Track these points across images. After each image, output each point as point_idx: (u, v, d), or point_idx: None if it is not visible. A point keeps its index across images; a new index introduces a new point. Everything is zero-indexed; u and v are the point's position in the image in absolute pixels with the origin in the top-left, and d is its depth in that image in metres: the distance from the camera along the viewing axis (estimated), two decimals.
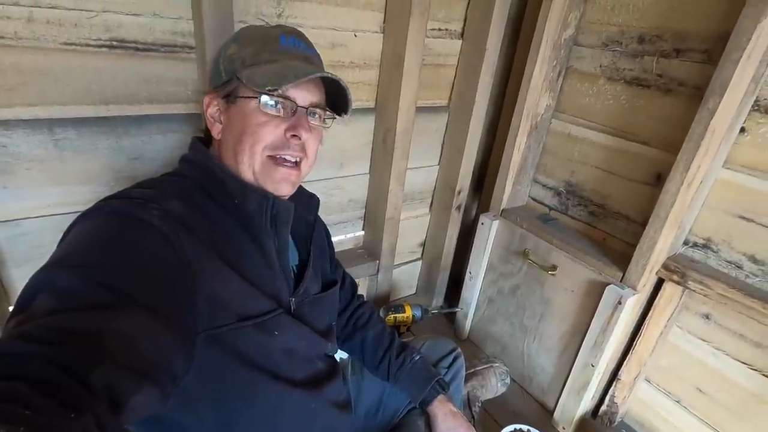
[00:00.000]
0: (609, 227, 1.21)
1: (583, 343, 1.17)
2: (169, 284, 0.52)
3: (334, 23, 1.10)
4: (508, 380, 1.35)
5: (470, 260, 1.50)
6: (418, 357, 0.94)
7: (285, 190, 0.67)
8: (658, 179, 1.07)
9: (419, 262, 1.75)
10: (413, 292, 1.80)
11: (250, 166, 0.63)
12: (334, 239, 0.97)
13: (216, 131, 0.67)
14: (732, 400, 1.04)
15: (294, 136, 0.63)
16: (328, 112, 0.70)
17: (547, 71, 1.21)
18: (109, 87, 0.88)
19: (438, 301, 1.73)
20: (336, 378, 0.78)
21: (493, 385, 1.31)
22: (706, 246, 1.05)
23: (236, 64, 0.64)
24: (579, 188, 1.27)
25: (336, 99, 0.69)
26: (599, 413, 1.27)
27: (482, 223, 1.41)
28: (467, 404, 1.22)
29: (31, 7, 0.76)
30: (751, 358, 1.00)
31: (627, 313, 1.07)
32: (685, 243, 1.08)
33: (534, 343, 1.35)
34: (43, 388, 0.36)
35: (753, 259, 0.97)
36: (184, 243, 0.54)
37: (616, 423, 1.25)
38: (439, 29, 1.30)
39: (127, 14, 0.84)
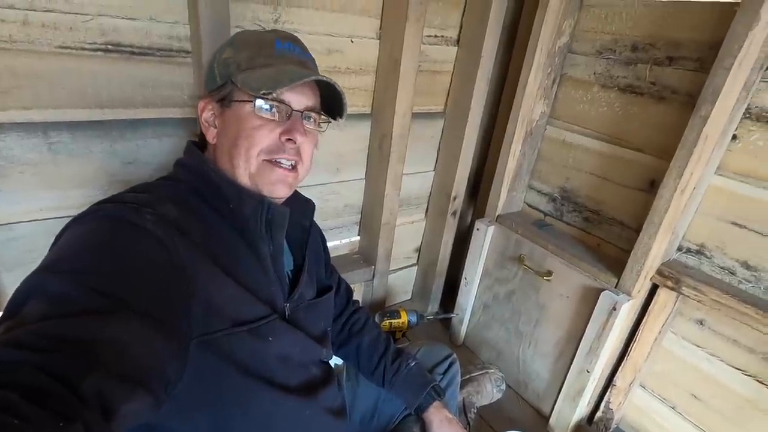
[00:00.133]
0: (603, 233, 1.22)
1: (579, 348, 1.17)
2: (163, 288, 0.51)
3: (331, 29, 1.10)
4: (503, 386, 1.35)
5: (465, 266, 1.50)
6: (413, 363, 0.93)
7: (281, 192, 0.66)
8: (652, 185, 1.08)
9: (415, 268, 1.74)
10: (409, 297, 1.79)
11: (246, 169, 0.63)
12: (329, 244, 0.97)
13: (211, 136, 0.67)
14: (726, 406, 1.04)
15: (289, 139, 0.63)
16: (323, 116, 0.70)
17: (541, 78, 1.23)
18: (104, 90, 0.87)
19: (433, 306, 1.72)
20: (331, 384, 0.78)
21: (489, 391, 1.31)
22: (699, 252, 1.05)
23: (231, 68, 0.64)
24: (574, 194, 1.28)
25: (331, 103, 0.69)
26: (595, 419, 1.27)
27: (477, 229, 1.42)
28: (463, 410, 1.21)
29: (27, 10, 0.76)
30: (744, 363, 1.00)
31: (622, 319, 1.08)
32: (679, 249, 1.09)
33: (529, 348, 1.35)
34: (34, 396, 0.35)
35: (746, 265, 0.98)
36: (179, 247, 0.54)
37: (611, 429, 1.25)
38: (435, 36, 1.30)
39: (123, 18, 0.84)
